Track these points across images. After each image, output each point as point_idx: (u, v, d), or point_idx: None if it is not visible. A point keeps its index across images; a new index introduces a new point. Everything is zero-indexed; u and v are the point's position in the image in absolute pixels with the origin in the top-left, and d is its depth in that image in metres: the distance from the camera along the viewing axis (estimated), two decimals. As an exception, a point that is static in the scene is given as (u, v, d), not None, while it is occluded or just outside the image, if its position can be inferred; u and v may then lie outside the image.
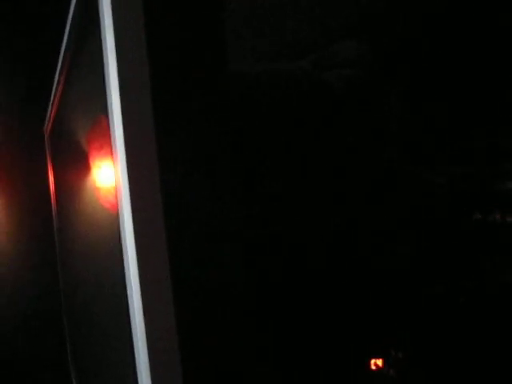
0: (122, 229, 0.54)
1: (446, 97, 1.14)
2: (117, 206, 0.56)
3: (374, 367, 1.04)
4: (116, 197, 0.56)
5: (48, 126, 1.26)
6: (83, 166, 0.80)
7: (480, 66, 1.09)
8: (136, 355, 0.52)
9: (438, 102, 1.13)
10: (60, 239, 1.39)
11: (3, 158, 1.43)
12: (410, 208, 1.14)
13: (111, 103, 0.52)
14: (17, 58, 1.46)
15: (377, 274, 1.11)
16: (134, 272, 0.53)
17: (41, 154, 1.44)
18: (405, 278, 1.11)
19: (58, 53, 0.77)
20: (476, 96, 1.10)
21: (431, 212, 1.12)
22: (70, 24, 0.65)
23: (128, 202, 0.52)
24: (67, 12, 0.66)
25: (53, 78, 0.91)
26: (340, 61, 1.13)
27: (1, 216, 1.44)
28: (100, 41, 0.53)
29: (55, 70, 0.85)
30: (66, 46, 0.70)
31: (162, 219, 0.53)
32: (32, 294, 1.45)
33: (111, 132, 0.54)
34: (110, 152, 0.57)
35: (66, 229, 1.24)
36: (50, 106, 1.07)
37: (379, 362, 1.05)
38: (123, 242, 0.54)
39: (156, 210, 0.54)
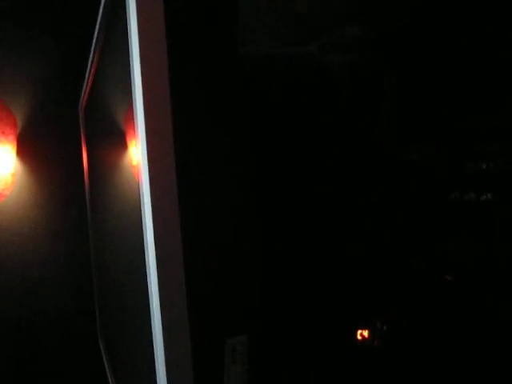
0: (142, 205, 0.57)
1: (439, 82, 1.12)
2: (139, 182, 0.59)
3: (360, 337, 1.08)
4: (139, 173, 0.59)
5: (82, 104, 1.30)
6: (117, 145, 0.83)
7: (466, 58, 1.06)
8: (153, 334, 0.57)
9: (431, 87, 1.11)
10: (92, 216, 1.42)
11: (38, 135, 1.46)
12: (396, 188, 1.14)
13: (134, 85, 0.55)
14: (53, 40, 1.46)
15: (365, 251, 1.12)
16: (152, 247, 0.56)
17: (75, 131, 1.46)
18: (392, 254, 1.12)
19: (92, 35, 0.80)
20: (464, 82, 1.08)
21: (415, 191, 1.11)
22: (102, 10, 0.68)
23: (147, 178, 0.56)
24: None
25: (87, 58, 0.95)
26: (343, 46, 1.14)
27: (34, 192, 1.47)
28: (126, 27, 0.56)
29: (89, 50, 0.89)
30: (98, 30, 0.73)
31: (177, 202, 0.57)
32: (63, 270, 1.49)
33: (134, 113, 0.57)
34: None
35: (98, 205, 1.26)
36: (84, 86, 1.11)
37: (365, 332, 1.08)
38: (143, 222, 0.57)
39: (172, 190, 0.57)
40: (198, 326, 0.56)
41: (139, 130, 0.54)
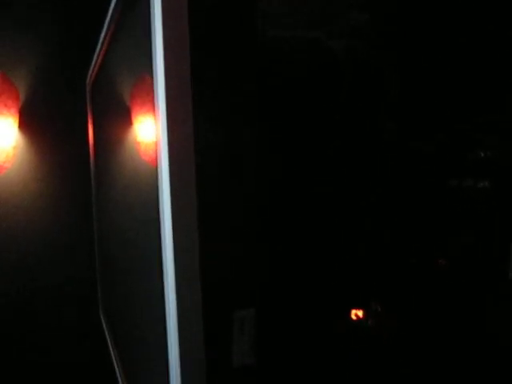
0: (159, 180, 0.58)
1: (440, 74, 1.14)
2: (156, 159, 0.60)
3: (354, 317, 1.11)
4: (156, 151, 0.60)
5: (90, 79, 1.29)
6: (123, 121, 0.83)
7: (468, 50, 1.08)
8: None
9: (433, 78, 1.13)
10: (96, 187, 1.42)
11: (42, 109, 1.44)
12: (395, 174, 1.16)
13: (156, 63, 0.55)
14: (65, 13, 1.44)
15: (361, 233, 1.15)
16: (168, 220, 0.58)
17: (80, 106, 1.44)
18: (387, 237, 1.15)
19: (107, 10, 0.79)
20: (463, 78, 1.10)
21: (414, 178, 1.14)
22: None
23: (166, 157, 0.57)
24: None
25: (99, 33, 0.94)
26: (349, 32, 1.15)
27: (36, 165, 1.46)
28: (148, 3, 0.56)
29: (102, 25, 0.88)
30: (114, 5, 0.73)
31: (194, 175, 0.58)
32: (64, 243, 1.49)
33: (154, 89, 0.57)
34: (152, 108, 0.61)
35: (102, 178, 1.26)
36: (93, 61, 1.10)
37: (360, 312, 1.12)
38: (160, 193, 0.59)
39: (190, 166, 0.58)
40: (209, 299, 0.59)
41: (160, 108, 0.55)
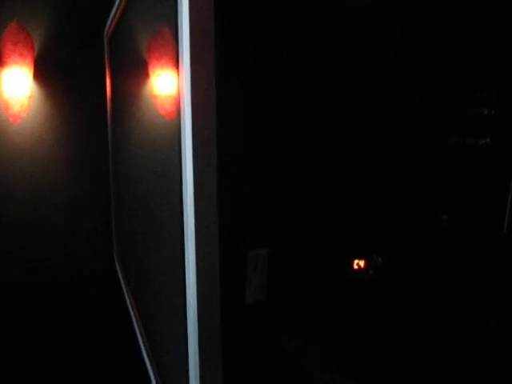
0: (182, 134, 0.61)
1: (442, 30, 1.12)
2: (177, 113, 0.62)
3: (356, 267, 1.18)
4: (177, 104, 0.62)
5: (109, 30, 1.27)
6: (141, 73, 0.85)
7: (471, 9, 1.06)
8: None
9: (435, 34, 1.11)
10: (113, 138, 1.45)
11: (57, 59, 1.44)
12: (397, 130, 1.17)
13: (181, 14, 0.56)
14: None
15: (366, 185, 1.18)
16: (190, 170, 0.61)
17: (97, 58, 1.44)
18: (390, 191, 1.18)
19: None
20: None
21: (415, 134, 1.15)
22: None
23: (189, 110, 0.59)
24: None
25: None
26: None
27: (51, 116, 1.46)
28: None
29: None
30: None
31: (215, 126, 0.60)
32: (82, 188, 1.52)
33: (178, 42, 0.59)
34: (172, 60, 0.62)
35: (118, 129, 1.28)
36: (112, 12, 1.10)
37: (361, 262, 1.19)
38: (182, 147, 0.62)
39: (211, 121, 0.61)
40: (225, 239, 0.63)
41: (183, 61, 0.57)
